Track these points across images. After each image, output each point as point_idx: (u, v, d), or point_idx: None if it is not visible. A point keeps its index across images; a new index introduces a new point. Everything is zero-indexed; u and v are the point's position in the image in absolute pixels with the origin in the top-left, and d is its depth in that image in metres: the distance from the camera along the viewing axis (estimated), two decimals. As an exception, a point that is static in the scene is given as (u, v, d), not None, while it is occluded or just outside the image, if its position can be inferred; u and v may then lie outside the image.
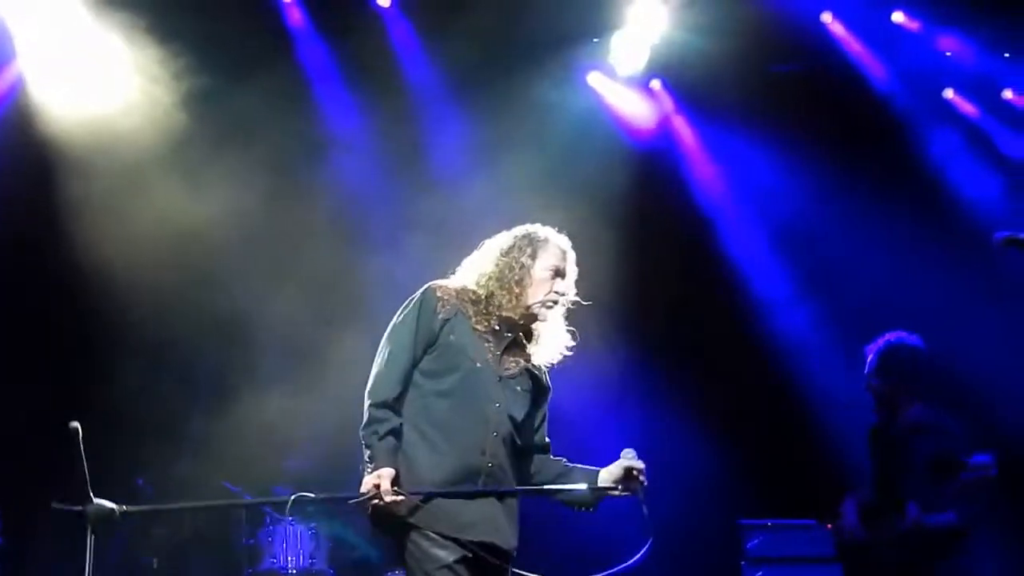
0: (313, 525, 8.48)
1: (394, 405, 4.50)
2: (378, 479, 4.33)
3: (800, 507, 8.02)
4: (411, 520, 4.38)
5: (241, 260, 8.49)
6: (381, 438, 4.41)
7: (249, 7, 8.59)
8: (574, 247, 4.71)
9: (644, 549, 4.39)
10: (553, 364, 4.69)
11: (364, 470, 4.42)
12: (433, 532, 4.36)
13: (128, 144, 8.26)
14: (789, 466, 8.96)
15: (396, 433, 4.45)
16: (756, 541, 7.86)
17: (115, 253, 8.11)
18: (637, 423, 8.70)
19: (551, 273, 4.62)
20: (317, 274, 8.59)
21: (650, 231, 8.99)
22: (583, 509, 4.66)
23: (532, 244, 4.64)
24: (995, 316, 8.31)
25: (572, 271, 4.71)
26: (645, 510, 4.46)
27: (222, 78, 8.42)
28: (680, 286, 9.26)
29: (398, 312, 4.59)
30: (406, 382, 4.53)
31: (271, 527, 8.44)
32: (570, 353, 4.65)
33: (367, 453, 4.42)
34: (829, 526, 7.48)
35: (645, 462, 4.50)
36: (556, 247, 4.68)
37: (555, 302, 4.62)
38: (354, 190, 8.88)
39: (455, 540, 4.36)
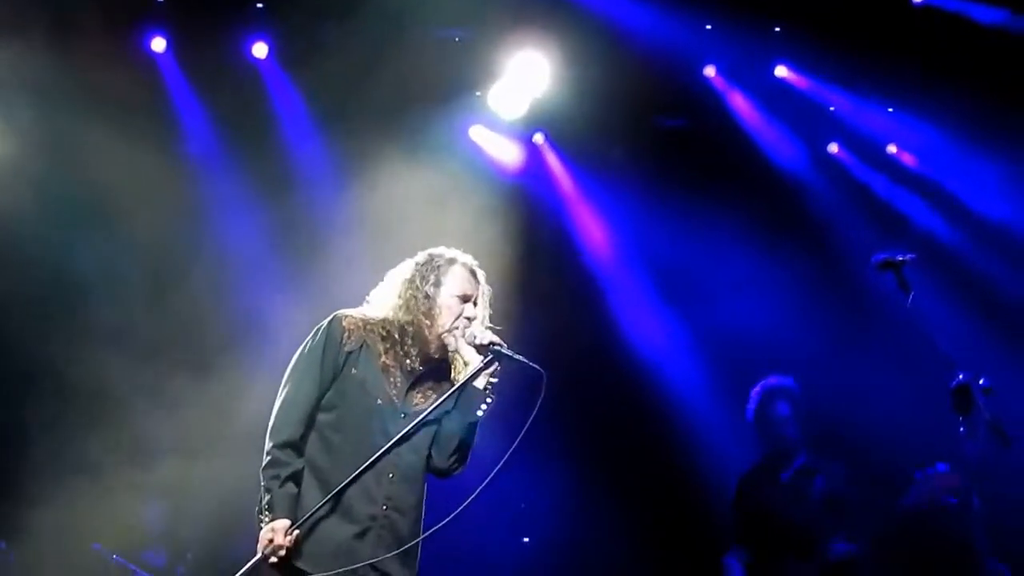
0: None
1: (298, 445, 4.25)
2: (272, 533, 4.12)
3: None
4: (302, 565, 4.18)
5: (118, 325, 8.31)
6: (281, 484, 4.18)
7: (121, 60, 8.34)
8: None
9: (543, 386, 4.16)
10: None
11: (260, 516, 4.18)
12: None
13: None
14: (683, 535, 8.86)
15: (296, 478, 4.21)
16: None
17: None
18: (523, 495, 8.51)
19: (458, 299, 4.38)
20: (192, 328, 8.37)
21: (532, 282, 8.74)
22: (486, 404, 4.34)
23: (435, 271, 4.40)
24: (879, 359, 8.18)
25: (484, 291, 4.46)
26: (514, 354, 4.25)
27: (93, 132, 8.15)
28: (569, 352, 8.71)
29: (304, 342, 4.34)
30: (311, 419, 4.28)
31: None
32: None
33: (265, 498, 4.18)
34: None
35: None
36: (461, 269, 4.43)
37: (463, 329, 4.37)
38: (234, 240, 8.68)
39: None
